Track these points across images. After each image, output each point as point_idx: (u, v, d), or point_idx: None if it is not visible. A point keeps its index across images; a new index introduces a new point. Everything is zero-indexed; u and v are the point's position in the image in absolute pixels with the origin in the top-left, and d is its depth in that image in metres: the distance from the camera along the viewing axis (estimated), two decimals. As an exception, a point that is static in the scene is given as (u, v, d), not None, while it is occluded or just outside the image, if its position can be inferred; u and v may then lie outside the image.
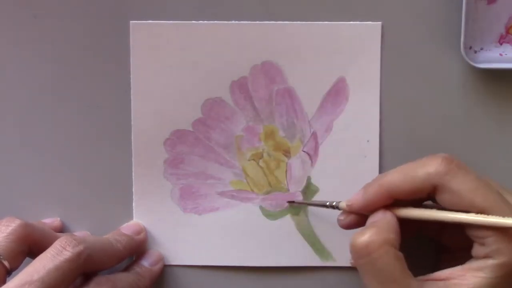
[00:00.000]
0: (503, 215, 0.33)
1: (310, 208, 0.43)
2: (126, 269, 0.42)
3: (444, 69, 0.42)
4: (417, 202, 0.37)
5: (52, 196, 0.43)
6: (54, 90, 0.43)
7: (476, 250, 0.34)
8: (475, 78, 0.42)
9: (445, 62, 0.42)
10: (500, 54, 0.42)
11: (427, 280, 0.35)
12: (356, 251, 0.35)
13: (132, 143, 0.43)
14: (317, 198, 0.43)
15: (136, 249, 0.42)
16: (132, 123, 0.43)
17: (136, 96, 0.42)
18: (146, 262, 0.42)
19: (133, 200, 0.43)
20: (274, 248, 0.43)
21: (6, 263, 0.36)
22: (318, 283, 0.44)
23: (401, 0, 0.41)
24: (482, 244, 0.34)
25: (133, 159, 0.43)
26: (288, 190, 0.43)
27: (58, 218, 0.43)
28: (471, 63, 0.40)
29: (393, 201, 0.36)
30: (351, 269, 0.43)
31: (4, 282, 0.36)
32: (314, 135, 0.43)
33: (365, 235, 0.34)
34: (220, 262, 0.43)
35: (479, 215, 0.34)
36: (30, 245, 0.38)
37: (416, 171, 0.35)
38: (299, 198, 0.43)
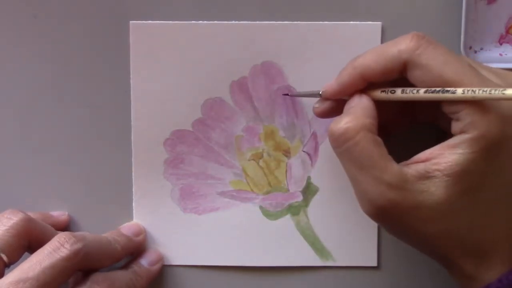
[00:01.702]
0: (474, 87, 0.33)
1: (310, 208, 0.43)
2: (125, 267, 0.42)
3: (444, 69, 0.42)
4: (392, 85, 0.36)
5: (52, 196, 0.43)
6: (54, 90, 0.43)
7: (453, 126, 0.34)
8: (475, 78, 0.42)
9: (445, 62, 0.42)
10: (500, 54, 0.42)
11: (409, 164, 0.35)
12: (334, 139, 0.35)
13: (132, 143, 0.43)
14: (317, 198, 0.43)
15: (134, 251, 0.43)
16: (132, 123, 0.43)
17: (136, 96, 0.42)
18: (145, 262, 0.42)
19: (133, 200, 0.43)
20: (274, 248, 0.43)
21: (4, 256, 0.36)
22: (318, 283, 0.44)
23: (401, 0, 0.41)
24: (457, 120, 0.34)
25: (133, 159, 0.43)
26: (288, 190, 0.43)
27: (66, 212, 0.43)
28: (471, 63, 0.40)
29: (367, 84, 0.36)
30: (351, 269, 0.43)
31: (2, 275, 0.36)
32: (314, 135, 0.43)
33: (341, 122, 0.34)
34: (220, 262, 0.43)
35: (447, 92, 0.33)
36: (30, 240, 0.38)
37: (388, 50, 0.35)
38: (299, 198, 0.43)
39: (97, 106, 0.43)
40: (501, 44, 0.42)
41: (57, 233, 0.38)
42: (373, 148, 0.34)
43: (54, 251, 0.36)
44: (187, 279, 0.44)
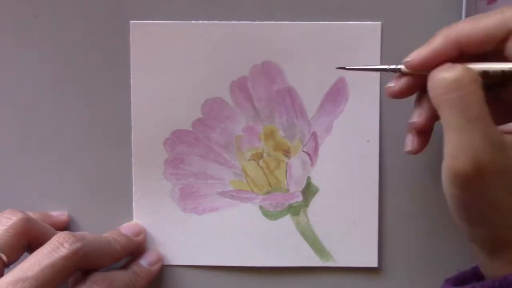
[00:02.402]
0: None
1: (310, 208, 0.43)
2: (124, 267, 0.42)
3: (444, 69, 0.42)
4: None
5: (52, 196, 0.43)
6: (54, 90, 0.43)
7: None
8: (475, 78, 0.42)
9: (445, 62, 0.42)
10: (500, 54, 0.42)
11: (506, 130, 0.33)
12: (446, 85, 0.32)
13: (132, 143, 0.43)
14: (317, 198, 0.43)
15: (134, 251, 0.43)
16: (132, 123, 0.43)
17: (136, 96, 0.42)
18: (144, 262, 0.42)
19: (133, 200, 0.43)
20: (274, 248, 0.43)
21: (3, 256, 0.36)
22: (318, 283, 0.44)
23: (401, 0, 0.41)
24: None
25: (133, 159, 0.43)
26: (288, 190, 0.43)
27: (66, 212, 0.43)
28: (471, 63, 0.40)
29: (459, 56, 0.34)
30: (351, 269, 0.43)
31: (2, 274, 0.36)
32: (314, 135, 0.43)
33: (454, 70, 0.32)
34: (220, 262, 0.43)
35: None
36: (30, 240, 0.38)
37: (491, 17, 0.33)
38: (299, 198, 0.43)
39: (97, 106, 0.43)
40: (501, 44, 0.42)
41: (57, 233, 0.38)
42: (483, 103, 0.32)
43: (54, 250, 0.36)
44: (187, 279, 0.44)
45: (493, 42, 0.33)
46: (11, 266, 0.36)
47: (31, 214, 0.39)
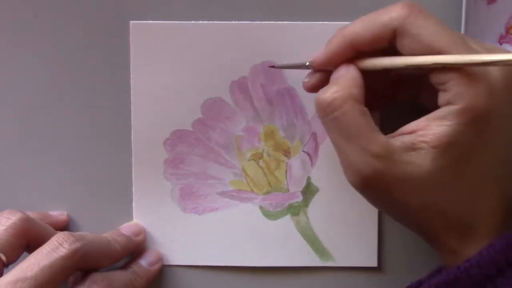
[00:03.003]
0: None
1: (310, 208, 0.43)
2: (124, 267, 0.42)
3: (444, 69, 0.42)
4: (379, 55, 0.36)
5: (52, 196, 0.43)
6: (54, 90, 0.43)
7: (440, 98, 0.33)
8: (475, 78, 0.42)
9: (445, 62, 0.42)
10: (500, 54, 0.42)
11: (394, 136, 0.34)
12: (321, 109, 0.35)
13: (132, 143, 0.43)
14: (317, 198, 0.43)
15: (134, 250, 0.43)
16: (132, 123, 0.43)
17: (136, 96, 0.42)
18: (144, 262, 0.42)
19: (133, 200, 0.43)
20: (274, 248, 0.43)
21: (2, 256, 0.36)
22: (318, 283, 0.44)
23: (401, 0, 0.41)
24: (444, 91, 0.33)
25: (133, 159, 0.43)
26: (288, 190, 0.43)
27: (65, 212, 0.43)
28: (471, 63, 0.40)
29: (356, 54, 0.36)
30: (351, 269, 0.43)
31: (1, 275, 0.36)
32: (314, 135, 0.43)
33: (328, 92, 0.34)
34: (220, 262, 0.43)
35: (435, 56, 0.33)
36: (29, 240, 0.38)
37: (378, 18, 0.34)
38: (299, 198, 0.43)
39: (97, 106, 0.43)
40: (501, 44, 0.42)
41: (56, 233, 0.38)
42: (360, 118, 0.34)
43: (53, 250, 0.36)
44: (187, 279, 0.44)
45: (383, 42, 0.35)
46: (10, 266, 0.36)
47: (30, 214, 0.39)
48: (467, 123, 0.33)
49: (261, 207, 0.43)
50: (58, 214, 0.43)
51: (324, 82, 0.37)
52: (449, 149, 0.33)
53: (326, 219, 0.43)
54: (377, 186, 0.34)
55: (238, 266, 0.43)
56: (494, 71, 0.33)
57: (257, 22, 0.42)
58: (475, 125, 0.33)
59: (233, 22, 0.42)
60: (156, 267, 0.43)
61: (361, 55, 0.36)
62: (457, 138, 0.33)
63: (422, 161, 0.33)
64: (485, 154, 0.34)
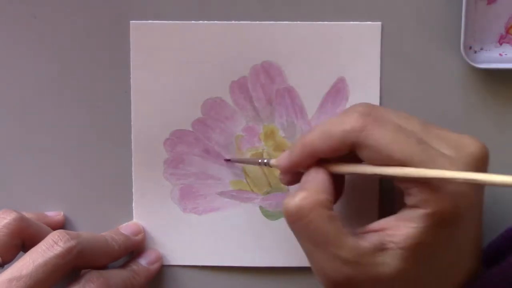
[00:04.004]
0: (423, 165, 0.33)
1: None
2: (123, 266, 0.42)
3: (444, 69, 0.42)
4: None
5: (51, 196, 0.43)
6: (54, 90, 0.43)
7: (406, 199, 0.34)
8: (475, 78, 0.42)
9: (445, 62, 0.42)
10: (500, 54, 0.42)
11: (364, 232, 0.35)
12: (288, 216, 0.35)
13: (132, 143, 0.43)
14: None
15: (132, 250, 0.42)
16: (132, 123, 0.43)
17: (136, 96, 0.42)
18: (143, 261, 0.42)
19: (133, 200, 0.43)
20: (274, 248, 0.43)
21: None
22: (318, 283, 0.43)
23: (401, 0, 0.41)
24: (409, 195, 0.34)
25: (133, 159, 0.43)
26: (288, 190, 0.43)
27: (62, 212, 0.43)
28: (471, 63, 0.40)
29: (320, 159, 0.36)
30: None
31: None
32: (314, 135, 0.43)
33: (295, 199, 0.34)
34: (220, 262, 0.43)
35: (396, 168, 0.33)
36: (24, 239, 0.38)
37: (334, 130, 0.34)
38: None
39: (97, 106, 0.43)
40: (501, 44, 0.42)
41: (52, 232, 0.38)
42: (327, 225, 0.34)
43: (48, 249, 0.36)
44: (186, 279, 0.44)
45: (342, 152, 0.35)
46: (6, 266, 0.36)
47: (26, 214, 0.39)
48: (434, 226, 0.33)
49: (261, 207, 0.43)
50: (54, 214, 0.43)
51: (297, 177, 0.38)
52: (417, 249, 0.33)
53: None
54: None
55: (238, 266, 0.43)
56: None
57: (257, 22, 0.42)
58: (441, 227, 0.33)
59: (233, 22, 0.42)
60: (156, 266, 0.42)
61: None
62: (424, 239, 0.33)
63: (391, 261, 0.33)
64: (451, 249, 0.35)
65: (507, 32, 0.41)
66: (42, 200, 0.43)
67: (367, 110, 0.34)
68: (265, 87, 0.42)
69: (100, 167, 0.43)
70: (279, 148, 0.43)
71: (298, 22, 0.42)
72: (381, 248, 0.34)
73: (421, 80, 0.42)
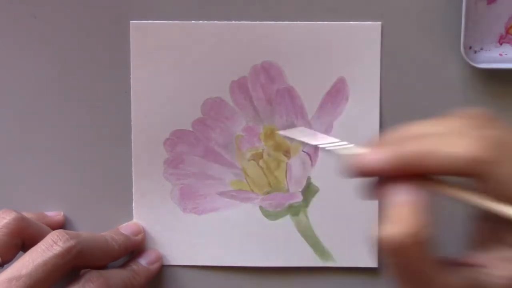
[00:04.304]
0: None
1: (310, 208, 0.43)
2: (123, 266, 0.42)
3: (444, 69, 0.42)
4: None
5: (52, 196, 0.43)
6: (54, 90, 0.43)
7: (508, 238, 0.30)
8: (475, 78, 0.42)
9: (445, 62, 0.42)
10: (500, 54, 0.42)
11: (458, 265, 0.30)
12: (387, 251, 0.29)
13: (132, 143, 0.43)
14: (317, 198, 0.43)
15: (132, 250, 0.42)
16: (132, 123, 0.43)
17: (136, 96, 0.42)
18: (143, 261, 0.42)
19: (133, 200, 0.43)
20: (274, 248, 0.43)
21: None
22: (318, 283, 0.44)
23: (401, 0, 0.41)
24: None
25: (133, 159, 0.43)
26: (288, 190, 0.43)
27: (62, 212, 0.43)
28: (471, 63, 0.40)
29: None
30: (351, 269, 0.43)
31: None
32: (314, 135, 0.43)
33: (393, 233, 0.29)
34: (220, 262, 0.43)
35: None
36: (24, 239, 0.38)
37: (452, 150, 0.28)
38: (299, 198, 0.43)
39: (97, 106, 0.43)
40: (501, 44, 0.42)
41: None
42: (425, 264, 0.29)
43: (47, 248, 0.36)
44: (186, 279, 0.44)
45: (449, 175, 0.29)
46: (5, 266, 0.36)
47: (25, 214, 0.39)
48: None
49: (261, 207, 0.43)
50: (54, 214, 0.43)
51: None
52: None
53: (326, 219, 0.43)
54: None
55: (238, 266, 0.43)
56: None
57: (257, 22, 0.42)
58: None
59: (233, 22, 0.42)
60: (156, 266, 0.43)
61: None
62: None
63: None
64: None
65: (507, 32, 0.41)
66: (42, 200, 0.43)
67: (498, 136, 0.29)
68: (265, 87, 0.42)
69: (100, 167, 0.43)
70: (279, 148, 0.43)
71: (298, 22, 0.42)
72: (474, 286, 0.30)
73: (421, 80, 0.42)
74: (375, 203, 0.42)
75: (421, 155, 0.29)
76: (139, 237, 0.43)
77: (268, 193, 0.43)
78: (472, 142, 0.28)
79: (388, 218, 0.29)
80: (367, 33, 0.42)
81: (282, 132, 0.41)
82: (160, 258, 0.43)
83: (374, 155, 0.30)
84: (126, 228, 0.42)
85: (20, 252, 0.38)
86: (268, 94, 0.42)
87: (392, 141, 0.30)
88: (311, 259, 0.43)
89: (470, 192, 0.29)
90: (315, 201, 0.43)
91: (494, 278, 0.29)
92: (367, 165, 0.30)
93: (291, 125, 0.42)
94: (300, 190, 0.43)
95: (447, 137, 0.29)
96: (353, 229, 0.43)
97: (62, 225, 0.43)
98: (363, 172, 0.30)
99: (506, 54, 0.42)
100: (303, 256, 0.43)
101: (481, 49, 0.42)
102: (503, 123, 0.30)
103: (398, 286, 0.30)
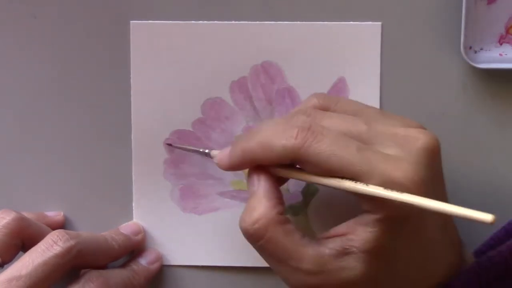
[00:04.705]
0: (363, 175, 0.32)
1: (310, 208, 0.43)
2: (123, 265, 0.42)
3: (444, 69, 0.42)
4: None
5: (52, 196, 0.43)
6: (54, 90, 0.43)
7: (361, 205, 0.34)
8: (475, 78, 0.42)
9: (445, 62, 0.42)
10: (500, 54, 0.42)
11: (327, 237, 0.35)
12: (247, 238, 0.35)
13: (132, 143, 0.43)
14: (317, 198, 0.43)
15: (132, 250, 0.42)
16: (132, 123, 0.43)
17: (136, 96, 0.42)
18: (143, 260, 0.42)
19: (133, 200, 0.43)
20: (274, 248, 0.43)
21: None
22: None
23: (401, 0, 0.41)
24: (361, 201, 0.34)
25: (133, 159, 0.43)
26: (288, 190, 0.43)
27: (62, 212, 0.43)
28: (471, 63, 0.40)
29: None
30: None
31: None
32: (314, 135, 0.42)
33: (249, 221, 0.34)
34: (219, 262, 0.43)
35: (335, 180, 0.33)
36: (24, 239, 0.38)
37: (274, 143, 0.34)
38: (299, 198, 0.43)
39: (97, 106, 0.43)
40: (501, 44, 0.42)
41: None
42: (285, 241, 0.34)
43: (47, 248, 0.36)
44: (186, 279, 0.44)
45: (283, 163, 0.35)
46: (6, 266, 0.36)
47: (25, 214, 0.39)
48: (388, 230, 0.33)
49: (261, 207, 0.43)
50: (54, 214, 0.43)
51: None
52: (378, 253, 0.33)
53: (326, 219, 0.43)
54: None
55: (238, 266, 0.43)
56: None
57: (257, 22, 0.42)
58: (397, 231, 0.33)
59: (233, 22, 0.42)
60: (156, 266, 0.43)
61: None
62: (383, 243, 0.33)
63: (354, 265, 0.33)
64: (407, 252, 0.35)
65: (507, 32, 0.41)
66: (42, 200, 0.43)
67: (307, 123, 0.34)
68: (265, 87, 0.42)
69: (100, 167, 0.43)
70: (279, 148, 0.43)
71: (298, 22, 0.42)
72: (343, 253, 0.34)
73: (421, 80, 0.42)
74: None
75: (252, 148, 0.35)
76: (139, 237, 0.43)
77: (268, 193, 0.43)
78: (286, 132, 0.34)
79: (245, 212, 0.35)
80: (367, 33, 0.42)
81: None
82: (160, 258, 0.43)
83: (221, 154, 0.37)
84: (126, 228, 0.42)
85: (20, 252, 0.38)
86: (268, 94, 0.42)
87: (238, 140, 0.36)
88: (311, 259, 0.43)
89: (300, 172, 0.35)
90: (315, 201, 0.43)
91: (355, 242, 0.33)
92: (220, 164, 0.37)
93: (291, 125, 0.42)
94: (300, 190, 0.43)
95: (276, 131, 0.34)
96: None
97: (62, 225, 0.43)
98: (223, 168, 0.37)
99: (506, 54, 0.42)
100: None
101: (481, 49, 0.42)
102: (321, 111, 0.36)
103: (274, 267, 0.35)
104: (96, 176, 0.43)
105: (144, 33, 0.42)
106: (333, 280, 0.34)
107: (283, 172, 0.36)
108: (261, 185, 0.36)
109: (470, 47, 0.41)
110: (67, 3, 0.42)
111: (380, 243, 0.33)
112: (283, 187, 0.43)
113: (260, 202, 0.35)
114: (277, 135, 0.34)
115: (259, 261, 0.43)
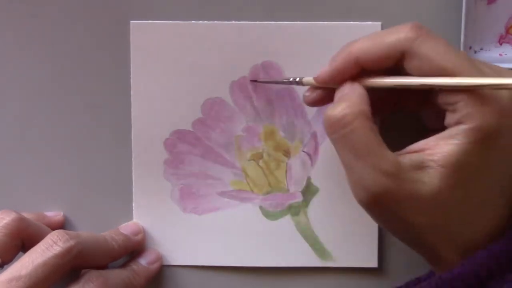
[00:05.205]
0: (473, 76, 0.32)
1: (310, 208, 0.43)
2: (123, 265, 0.42)
3: (444, 69, 0.42)
4: (384, 73, 0.36)
5: (52, 196, 0.43)
6: (54, 90, 0.43)
7: (448, 118, 0.33)
8: (475, 78, 0.42)
9: (445, 62, 0.42)
10: (500, 54, 0.42)
11: (403, 153, 0.34)
12: (331, 125, 0.34)
13: (132, 143, 0.43)
14: (317, 198, 0.43)
15: (132, 250, 0.43)
16: (132, 123, 0.43)
17: (136, 96, 0.42)
18: (143, 260, 0.42)
19: (133, 200, 0.43)
20: (274, 248, 0.43)
21: None
22: (318, 283, 0.44)
23: (401, 0, 0.41)
24: (453, 111, 0.33)
25: (133, 159, 0.43)
26: (288, 190, 0.43)
27: (61, 212, 0.43)
28: (471, 63, 0.40)
29: (360, 71, 0.35)
30: (351, 269, 0.43)
31: None
32: (314, 135, 0.43)
33: (338, 108, 0.34)
34: (220, 262, 0.43)
35: (448, 78, 0.33)
36: (24, 240, 0.38)
37: (386, 37, 0.34)
38: (299, 198, 0.43)
39: (97, 106, 0.43)
40: (501, 44, 0.42)
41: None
42: (370, 135, 0.33)
43: (47, 248, 0.36)
44: (186, 279, 0.44)
45: (389, 62, 0.35)
46: (5, 267, 0.36)
47: (25, 214, 0.39)
48: (476, 142, 0.32)
49: (261, 207, 0.43)
50: (54, 214, 0.43)
51: (326, 97, 0.37)
52: (457, 168, 0.33)
53: (326, 219, 0.43)
54: (385, 204, 0.34)
55: (238, 266, 0.43)
56: (503, 91, 0.33)
57: (257, 22, 0.42)
58: (484, 144, 0.33)
59: (233, 22, 0.42)
60: (155, 266, 0.43)
61: (364, 72, 0.36)
62: (465, 157, 0.32)
63: (430, 180, 0.33)
64: (492, 172, 0.34)
65: (507, 32, 0.42)
66: (42, 200, 0.43)
67: (419, 24, 0.34)
68: (265, 87, 0.42)
69: (100, 167, 0.43)
70: (279, 148, 0.43)
71: (298, 22, 0.42)
72: (421, 166, 0.33)
73: (421, 80, 0.42)
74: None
75: (359, 46, 0.35)
76: (139, 237, 0.43)
77: (268, 193, 0.43)
78: (397, 28, 0.34)
79: (333, 104, 0.35)
80: (367, 33, 0.41)
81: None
82: (160, 258, 0.43)
83: (322, 70, 0.37)
84: (126, 228, 0.43)
85: (20, 253, 0.38)
86: (268, 94, 0.42)
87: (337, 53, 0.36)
88: (311, 259, 0.43)
89: (402, 77, 0.35)
90: (315, 201, 0.43)
91: (435, 156, 0.33)
92: (319, 77, 0.37)
93: (291, 125, 0.43)
94: (300, 190, 0.43)
95: (377, 32, 0.35)
96: (353, 229, 0.43)
97: (62, 225, 0.43)
98: (321, 81, 0.37)
99: (506, 54, 0.42)
100: (303, 256, 0.43)
101: (481, 49, 0.42)
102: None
103: (350, 163, 0.34)
104: (96, 176, 0.43)
105: (144, 33, 0.42)
106: (407, 188, 0.33)
107: (383, 81, 0.35)
108: (353, 89, 0.35)
109: (470, 47, 0.41)
110: (67, 3, 0.42)
111: (464, 157, 0.32)
112: (283, 187, 0.43)
113: (350, 97, 0.34)
114: (388, 32, 0.34)
115: (259, 261, 0.43)
